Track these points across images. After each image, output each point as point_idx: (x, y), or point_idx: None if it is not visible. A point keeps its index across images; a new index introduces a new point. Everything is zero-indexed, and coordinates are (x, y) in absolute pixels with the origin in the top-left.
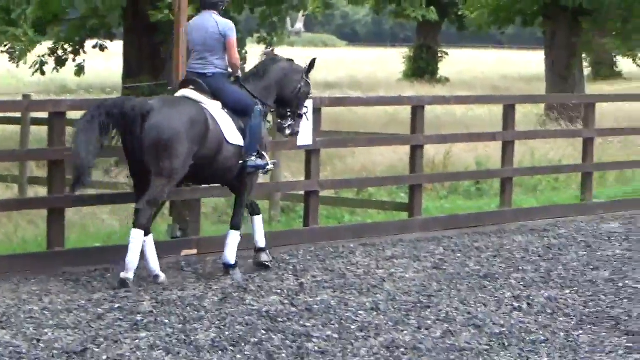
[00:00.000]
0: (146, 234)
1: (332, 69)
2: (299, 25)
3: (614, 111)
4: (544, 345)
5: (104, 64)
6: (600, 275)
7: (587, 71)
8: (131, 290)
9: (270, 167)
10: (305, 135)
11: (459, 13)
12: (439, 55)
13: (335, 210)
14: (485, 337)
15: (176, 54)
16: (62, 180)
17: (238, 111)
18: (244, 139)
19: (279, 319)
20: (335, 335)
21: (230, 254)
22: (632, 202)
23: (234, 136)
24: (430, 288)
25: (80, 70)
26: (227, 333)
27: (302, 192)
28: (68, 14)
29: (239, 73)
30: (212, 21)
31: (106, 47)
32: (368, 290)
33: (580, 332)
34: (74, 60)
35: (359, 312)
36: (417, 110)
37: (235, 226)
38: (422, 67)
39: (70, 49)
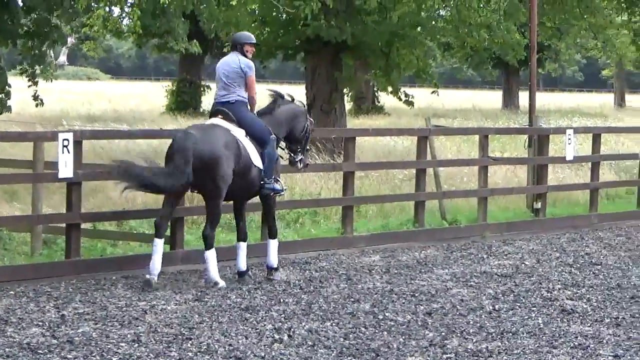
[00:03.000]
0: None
1: (96, 102)
2: (63, 58)
3: (374, 145)
4: None
5: None
6: (360, 307)
7: (348, 106)
8: None
9: (284, 193)
10: (68, 167)
11: (223, 48)
12: (202, 88)
13: (97, 242)
14: None
15: None
16: None
17: (257, 138)
18: (262, 164)
19: (40, 351)
20: None
21: (273, 259)
22: (392, 235)
23: (257, 159)
24: (191, 320)
25: None
26: None
27: (63, 225)
28: None
29: (255, 107)
30: (236, 59)
31: None
32: (129, 322)
33: None
34: None
35: (120, 343)
36: None
37: (272, 236)
38: (186, 100)
39: None
